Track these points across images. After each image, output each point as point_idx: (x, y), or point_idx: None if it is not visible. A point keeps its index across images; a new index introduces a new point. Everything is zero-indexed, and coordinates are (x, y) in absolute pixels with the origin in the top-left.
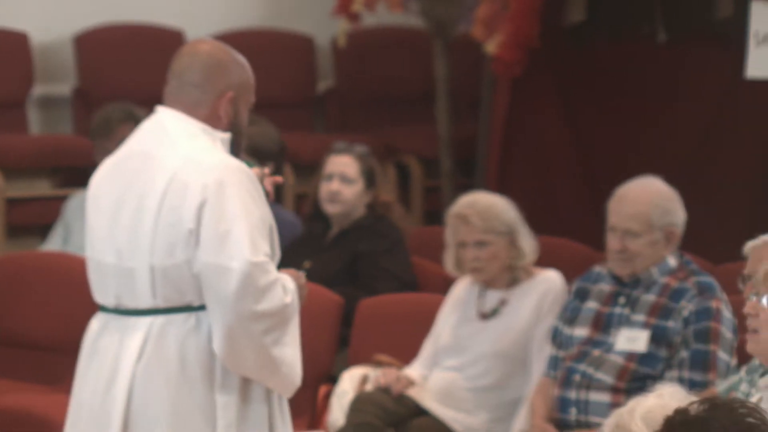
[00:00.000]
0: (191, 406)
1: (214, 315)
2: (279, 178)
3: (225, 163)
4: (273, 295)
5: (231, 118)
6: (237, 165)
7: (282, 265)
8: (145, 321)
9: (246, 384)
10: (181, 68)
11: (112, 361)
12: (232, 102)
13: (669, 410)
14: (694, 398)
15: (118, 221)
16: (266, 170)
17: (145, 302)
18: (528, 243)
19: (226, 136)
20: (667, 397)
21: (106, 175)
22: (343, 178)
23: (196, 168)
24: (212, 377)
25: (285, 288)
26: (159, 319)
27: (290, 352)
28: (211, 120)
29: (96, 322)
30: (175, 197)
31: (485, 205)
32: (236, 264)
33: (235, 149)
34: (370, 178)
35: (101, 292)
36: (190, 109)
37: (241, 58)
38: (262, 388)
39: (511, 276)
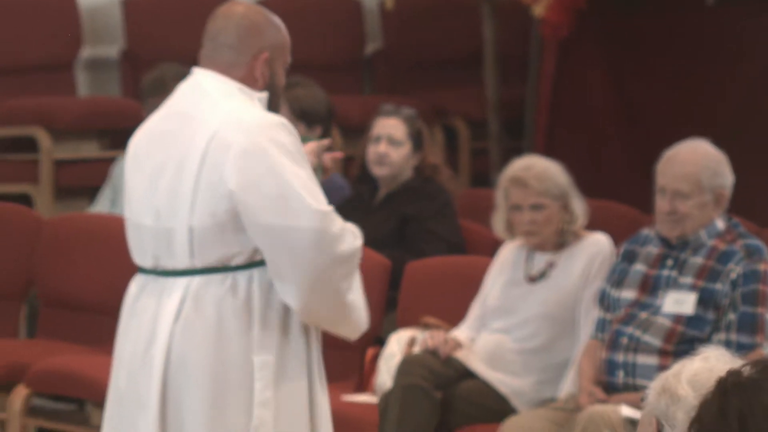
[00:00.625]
0: (229, 365)
1: (288, 272)
2: (339, 154)
3: (266, 120)
4: (346, 239)
5: (267, 78)
6: (277, 121)
7: None
8: (182, 282)
9: (284, 343)
10: (216, 30)
11: (150, 321)
12: (268, 63)
13: (716, 373)
14: (739, 361)
15: (158, 182)
16: (324, 142)
17: (183, 263)
18: (579, 206)
19: (263, 95)
20: (713, 360)
21: (145, 136)
22: (391, 141)
23: (237, 126)
24: (250, 336)
25: (354, 232)
26: (196, 280)
27: (359, 297)
28: (248, 81)
29: (135, 284)
30: (216, 156)
31: (541, 169)
32: (305, 221)
33: (273, 109)
34: (417, 141)
35: (139, 253)
36: (226, 70)
37: (276, 19)
38: (301, 346)
39: (560, 239)
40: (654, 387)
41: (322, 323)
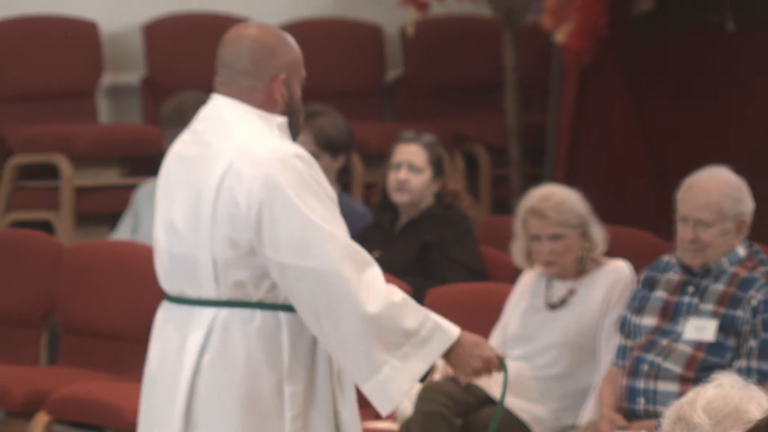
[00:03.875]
0: (260, 397)
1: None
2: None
3: (281, 152)
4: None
5: (286, 99)
6: (293, 152)
7: None
8: (209, 312)
9: (312, 373)
10: (229, 57)
11: (176, 352)
12: (286, 83)
13: (730, 400)
14: (754, 387)
15: (181, 209)
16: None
17: (209, 293)
18: (598, 233)
19: (283, 120)
20: (728, 387)
21: (172, 161)
22: (411, 167)
23: (251, 158)
24: (281, 367)
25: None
26: (223, 312)
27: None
28: (268, 105)
29: (161, 311)
30: (232, 186)
31: (559, 199)
32: (323, 264)
33: (294, 128)
34: (438, 167)
35: (166, 280)
36: (245, 96)
37: (285, 35)
38: (327, 375)
39: (579, 266)
40: (668, 415)
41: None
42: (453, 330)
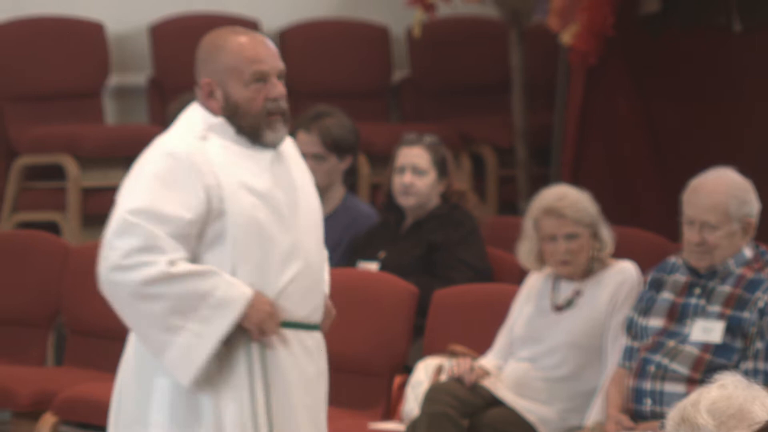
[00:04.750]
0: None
1: None
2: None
3: (161, 146)
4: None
5: (222, 102)
6: (167, 150)
7: (358, 254)
8: None
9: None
10: None
11: None
12: (219, 86)
13: (734, 401)
14: (757, 388)
15: None
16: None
17: None
18: (607, 234)
19: (217, 121)
20: (731, 387)
21: None
22: (415, 170)
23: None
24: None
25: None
26: None
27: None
28: (208, 106)
29: None
30: None
31: (574, 198)
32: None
33: (246, 127)
34: (442, 168)
35: None
36: (200, 98)
37: (232, 39)
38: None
39: (587, 267)
40: (672, 417)
41: None
42: (246, 290)
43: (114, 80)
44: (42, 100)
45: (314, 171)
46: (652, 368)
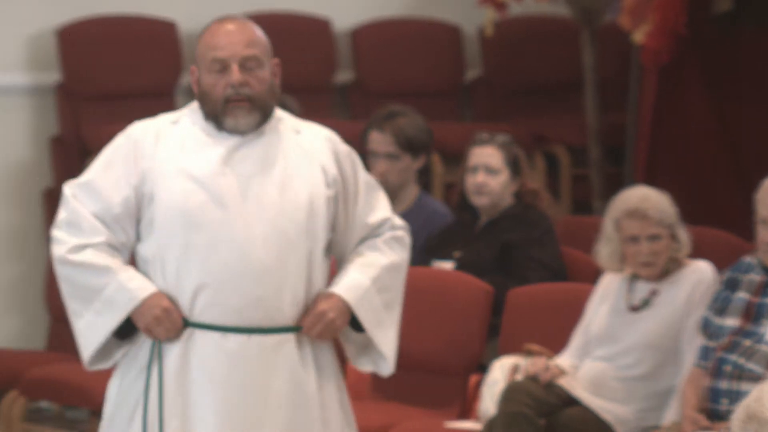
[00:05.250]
0: None
1: None
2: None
3: (130, 127)
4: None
5: (196, 88)
6: (130, 131)
7: (432, 254)
8: None
9: None
10: None
11: None
12: (196, 73)
13: None
14: None
15: None
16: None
17: None
18: (684, 234)
19: (193, 104)
20: None
21: None
22: (488, 170)
23: None
24: None
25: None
26: None
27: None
28: (194, 90)
29: None
30: None
31: (657, 199)
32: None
33: (206, 114)
34: (515, 167)
35: None
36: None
37: (211, 28)
38: None
39: (665, 267)
40: (737, 416)
41: None
42: (141, 292)
43: (186, 79)
44: (115, 99)
45: (388, 170)
46: (728, 368)
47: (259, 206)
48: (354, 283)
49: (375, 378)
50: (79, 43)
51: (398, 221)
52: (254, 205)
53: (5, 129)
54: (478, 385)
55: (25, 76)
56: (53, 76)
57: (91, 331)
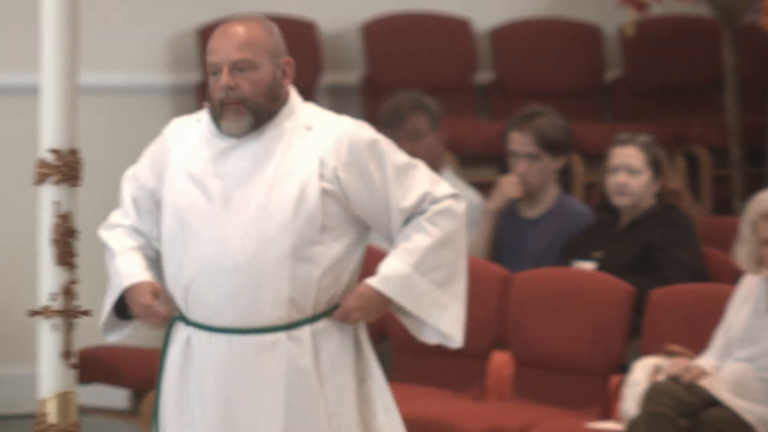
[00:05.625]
0: None
1: None
2: None
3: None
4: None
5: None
6: (166, 128)
7: (573, 254)
8: None
9: None
10: None
11: None
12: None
13: None
14: None
15: None
16: None
17: None
18: None
19: (206, 104)
20: None
21: None
22: (629, 170)
23: None
24: None
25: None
26: None
27: None
28: None
29: None
30: None
31: None
32: None
33: (212, 116)
34: (656, 167)
35: None
36: None
37: (215, 30)
38: None
39: None
40: None
41: None
42: (126, 279)
43: (327, 79)
44: None
45: (528, 171)
46: None
47: (243, 206)
48: (391, 271)
49: (516, 378)
50: None
51: (441, 191)
52: (237, 205)
53: (145, 128)
54: (620, 385)
55: (166, 75)
56: (193, 76)
57: (104, 304)
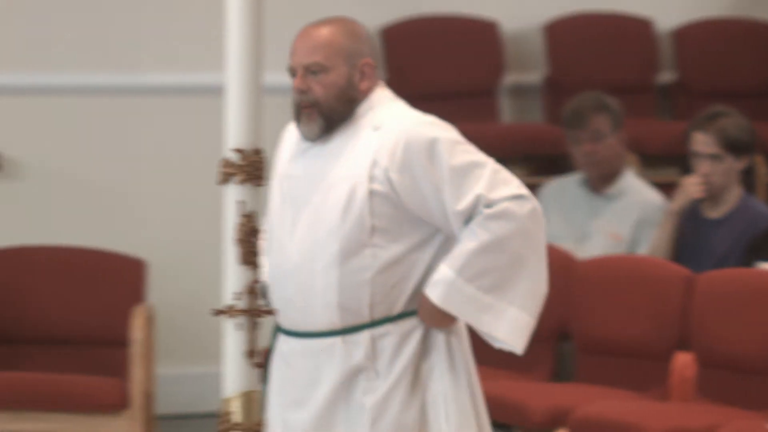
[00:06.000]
0: None
1: None
2: None
3: None
4: None
5: None
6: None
7: (756, 255)
8: None
9: None
10: None
11: None
12: None
13: None
14: None
15: None
16: None
17: None
18: None
19: None
20: None
21: None
22: None
23: None
24: None
25: None
26: None
27: None
28: None
29: None
30: None
31: None
32: None
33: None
34: None
35: None
36: None
37: (301, 30)
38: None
39: None
40: None
41: None
42: None
43: (510, 79)
44: (437, 99)
45: (711, 171)
46: None
47: (304, 209)
48: (437, 276)
49: (700, 380)
50: (400, 43)
51: (499, 194)
52: (301, 207)
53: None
54: None
55: None
56: None
57: None
